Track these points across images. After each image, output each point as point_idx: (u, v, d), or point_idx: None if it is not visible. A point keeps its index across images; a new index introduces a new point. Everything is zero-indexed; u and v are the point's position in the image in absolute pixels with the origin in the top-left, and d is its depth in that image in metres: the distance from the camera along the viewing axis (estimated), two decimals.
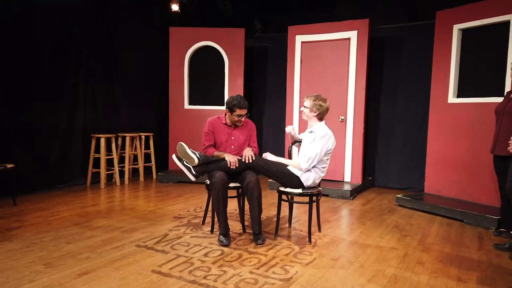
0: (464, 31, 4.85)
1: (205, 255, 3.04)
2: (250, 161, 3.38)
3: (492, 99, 4.38)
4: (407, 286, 2.61)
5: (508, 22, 4.31)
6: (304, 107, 3.46)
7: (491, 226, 3.96)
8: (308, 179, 3.36)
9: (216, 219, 3.43)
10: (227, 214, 3.39)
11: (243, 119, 3.56)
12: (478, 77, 4.72)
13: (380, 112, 6.22)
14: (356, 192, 5.54)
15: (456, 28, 4.85)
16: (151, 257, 2.96)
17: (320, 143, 3.31)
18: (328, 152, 3.38)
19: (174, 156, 3.43)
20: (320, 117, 3.43)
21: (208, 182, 3.41)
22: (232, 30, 6.39)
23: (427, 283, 2.66)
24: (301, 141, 3.61)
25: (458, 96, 4.92)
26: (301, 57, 6.07)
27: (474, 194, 4.65)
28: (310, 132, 3.46)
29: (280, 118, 6.67)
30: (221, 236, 3.32)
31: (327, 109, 3.44)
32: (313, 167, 3.36)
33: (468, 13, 4.72)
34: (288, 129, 3.66)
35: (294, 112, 6.16)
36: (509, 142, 3.25)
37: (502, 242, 3.50)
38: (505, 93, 3.83)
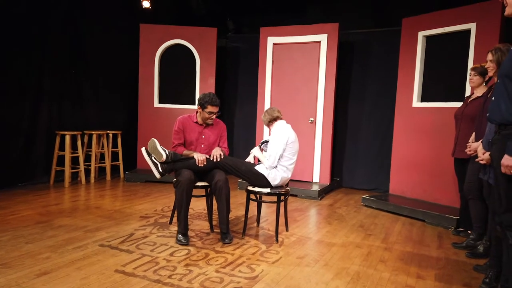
0: (428, 38, 5.03)
1: (171, 254, 3.01)
2: (218, 159, 3.38)
3: (453, 104, 4.57)
4: (369, 283, 2.68)
5: (469, 31, 4.51)
6: None
7: (451, 226, 4.13)
8: (275, 178, 3.40)
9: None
10: (196, 213, 3.37)
11: (214, 116, 3.56)
12: (441, 82, 4.92)
13: (348, 114, 6.36)
14: (324, 192, 5.63)
15: (421, 34, 5.03)
16: (115, 257, 2.90)
17: (274, 139, 3.45)
18: (290, 146, 3.44)
19: (143, 149, 3.39)
20: (272, 121, 3.62)
21: (175, 180, 3.37)
22: (205, 29, 6.36)
23: (388, 280, 2.74)
24: (268, 141, 3.66)
25: (422, 101, 5.11)
26: (272, 58, 6.12)
27: (435, 195, 4.84)
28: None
29: (251, 118, 6.69)
30: (180, 235, 3.28)
31: (273, 116, 3.60)
32: (279, 163, 3.43)
33: (432, 21, 4.91)
34: (253, 152, 3.76)
35: None
36: (467, 144, 3.41)
37: (460, 241, 3.65)
38: (464, 98, 4.00)
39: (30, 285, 2.39)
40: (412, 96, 5.14)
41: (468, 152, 3.33)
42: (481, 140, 3.07)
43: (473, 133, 3.45)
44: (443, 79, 4.90)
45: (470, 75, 3.70)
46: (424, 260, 3.20)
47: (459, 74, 4.63)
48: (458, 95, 4.61)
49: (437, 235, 3.94)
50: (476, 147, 3.15)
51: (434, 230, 4.12)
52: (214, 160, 3.38)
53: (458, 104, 4.26)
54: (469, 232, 3.78)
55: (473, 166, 3.32)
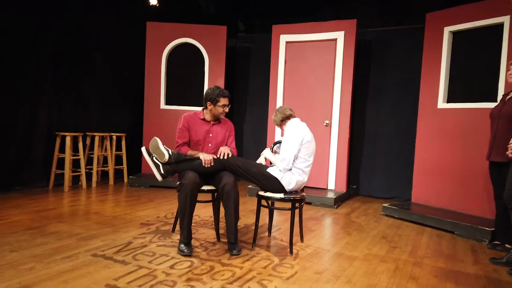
0: (455, 34, 4.65)
1: (171, 267, 2.65)
2: (226, 158, 3.03)
3: (484, 104, 4.18)
4: None
5: (502, 24, 4.12)
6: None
7: (484, 239, 3.69)
8: (290, 182, 3.03)
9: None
10: (202, 221, 3.02)
11: (227, 109, 3.26)
12: (469, 81, 4.52)
13: (366, 117, 5.97)
14: (340, 200, 5.23)
15: (447, 30, 4.65)
16: (108, 269, 2.55)
17: (288, 139, 3.10)
18: (305, 146, 3.08)
19: (143, 149, 3.07)
20: (284, 119, 3.28)
21: (178, 183, 3.03)
22: (214, 28, 6.07)
23: None
24: (281, 142, 3.31)
25: (448, 101, 4.71)
26: (285, 57, 5.79)
27: (464, 204, 4.40)
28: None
29: (262, 121, 6.35)
30: (182, 245, 2.91)
31: (285, 114, 3.27)
32: (294, 166, 3.07)
33: (460, 15, 4.53)
34: (264, 154, 3.39)
35: None
36: (508, 146, 3.01)
37: (498, 256, 3.23)
38: (501, 96, 3.61)
39: None
40: (437, 96, 4.74)
41: (510, 155, 2.93)
42: None
43: None
44: (471, 78, 4.50)
45: (509, 70, 3.31)
46: (461, 277, 2.78)
47: (490, 72, 4.24)
48: (489, 94, 4.21)
49: (470, 248, 3.52)
50: None
51: (466, 243, 3.69)
52: (221, 158, 3.03)
53: (489, 104, 3.88)
54: (508, 246, 3.37)
55: None
